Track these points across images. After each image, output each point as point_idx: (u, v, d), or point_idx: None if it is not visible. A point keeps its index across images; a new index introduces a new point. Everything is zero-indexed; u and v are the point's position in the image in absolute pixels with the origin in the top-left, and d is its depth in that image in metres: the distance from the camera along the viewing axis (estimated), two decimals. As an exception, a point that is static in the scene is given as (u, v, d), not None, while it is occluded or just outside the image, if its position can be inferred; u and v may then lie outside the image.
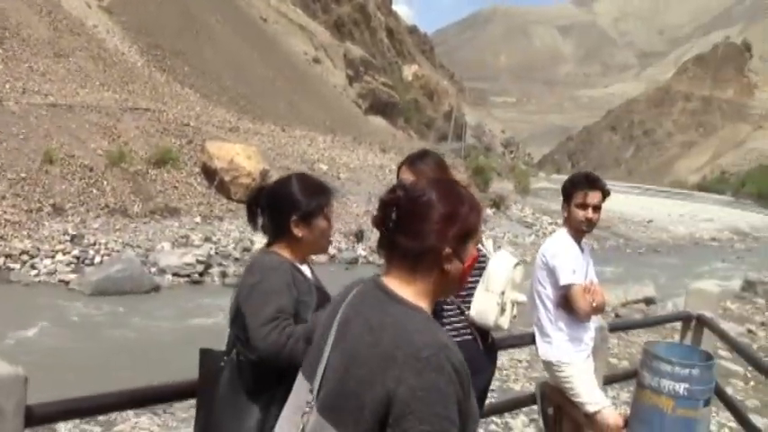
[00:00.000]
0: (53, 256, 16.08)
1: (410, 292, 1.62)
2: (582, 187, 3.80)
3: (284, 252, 2.57)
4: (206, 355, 2.53)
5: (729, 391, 6.30)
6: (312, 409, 1.64)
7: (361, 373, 1.54)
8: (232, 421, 2.36)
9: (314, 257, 2.79)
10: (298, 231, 2.56)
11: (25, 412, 2.16)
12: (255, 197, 2.64)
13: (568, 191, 3.84)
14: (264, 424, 2.32)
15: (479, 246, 3.06)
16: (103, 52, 34.81)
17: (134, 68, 36.58)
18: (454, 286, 1.71)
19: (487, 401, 3.49)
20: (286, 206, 2.56)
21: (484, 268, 3.01)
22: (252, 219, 2.65)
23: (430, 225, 1.61)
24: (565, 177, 4.03)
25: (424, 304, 1.63)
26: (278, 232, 2.59)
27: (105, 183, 21.42)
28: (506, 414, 8.54)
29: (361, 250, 22.05)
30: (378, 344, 1.53)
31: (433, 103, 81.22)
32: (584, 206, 3.78)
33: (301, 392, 1.72)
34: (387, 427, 1.50)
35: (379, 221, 1.66)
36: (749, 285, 20.11)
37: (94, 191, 20.89)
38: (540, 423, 4.27)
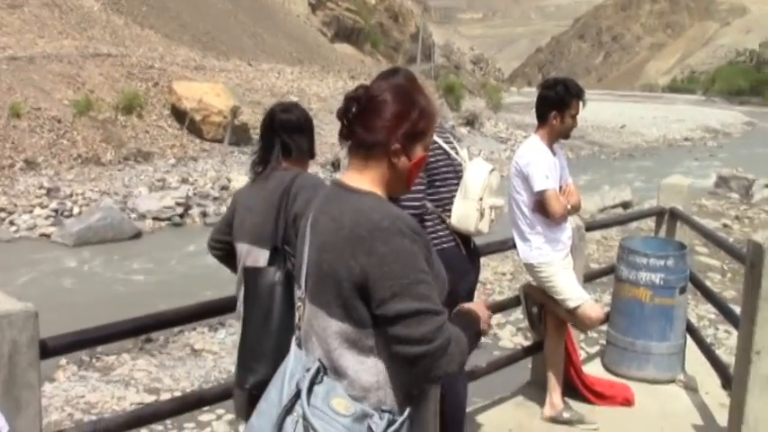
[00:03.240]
0: (31, 211, 15.98)
1: (365, 180, 1.84)
2: (580, 96, 3.87)
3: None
4: (258, 273, 2.62)
5: (708, 283, 6.54)
6: (303, 304, 1.85)
7: (331, 256, 1.74)
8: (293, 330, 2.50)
9: None
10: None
11: (39, 345, 2.27)
12: (281, 126, 2.84)
13: (566, 100, 3.84)
14: None
15: (456, 155, 3.15)
16: (57, -1, 33.82)
17: (91, 13, 35.60)
18: (402, 183, 1.89)
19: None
20: (311, 129, 2.89)
21: (460, 177, 3.10)
22: (271, 146, 2.84)
23: (382, 121, 1.81)
24: (535, 90, 4.07)
25: (377, 191, 1.84)
26: (303, 152, 2.85)
27: (75, 133, 21.13)
28: (494, 325, 8.83)
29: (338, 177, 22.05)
30: (341, 228, 1.74)
31: (399, 24, 79.85)
32: (576, 116, 3.90)
33: (295, 296, 1.93)
34: (370, 295, 1.69)
35: (341, 113, 1.86)
36: (723, 181, 20.43)
37: (65, 142, 20.63)
38: (526, 322, 4.45)
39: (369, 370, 1.74)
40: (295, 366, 1.77)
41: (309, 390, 1.70)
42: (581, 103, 3.87)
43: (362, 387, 1.74)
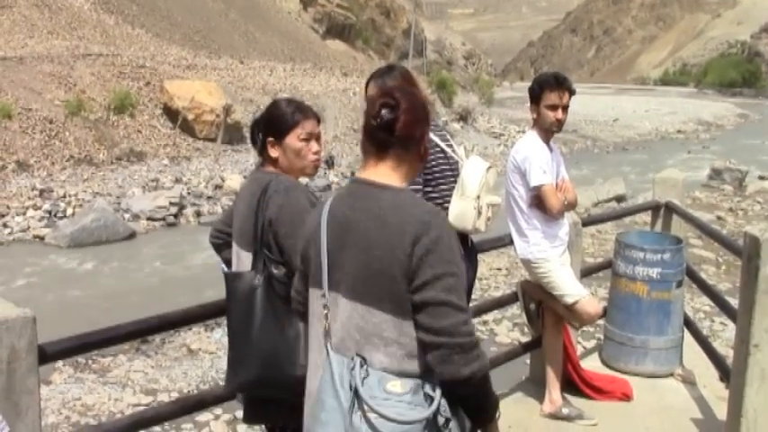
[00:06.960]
0: (24, 213, 15.88)
1: (396, 177, 1.97)
2: (552, 88, 3.83)
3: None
4: (237, 277, 2.61)
5: (703, 276, 6.55)
6: (331, 307, 1.93)
7: (381, 253, 1.85)
8: (274, 333, 2.48)
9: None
10: (273, 152, 2.67)
11: (38, 351, 2.25)
12: (255, 124, 2.77)
13: (537, 93, 3.86)
14: (304, 332, 2.45)
15: (453, 153, 3.15)
16: (47, -1, 33.66)
17: (81, 13, 35.47)
18: (419, 173, 2.15)
19: (471, 304, 3.63)
20: (263, 128, 2.70)
21: (457, 175, 3.08)
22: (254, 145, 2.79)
23: (418, 123, 1.99)
24: (528, 85, 4.07)
25: (405, 186, 2.00)
26: (262, 154, 2.73)
27: (67, 133, 21.04)
28: (491, 321, 8.84)
29: (332, 176, 21.96)
30: (386, 224, 1.86)
31: (391, 20, 79.83)
32: (554, 107, 3.83)
33: (316, 301, 2.01)
34: (416, 277, 1.82)
35: (375, 116, 1.97)
36: (716, 173, 20.52)
37: (57, 143, 20.54)
38: (524, 319, 4.45)
39: (414, 357, 1.85)
40: (341, 370, 1.87)
41: (362, 384, 1.81)
42: (558, 94, 3.82)
43: (410, 370, 1.86)
